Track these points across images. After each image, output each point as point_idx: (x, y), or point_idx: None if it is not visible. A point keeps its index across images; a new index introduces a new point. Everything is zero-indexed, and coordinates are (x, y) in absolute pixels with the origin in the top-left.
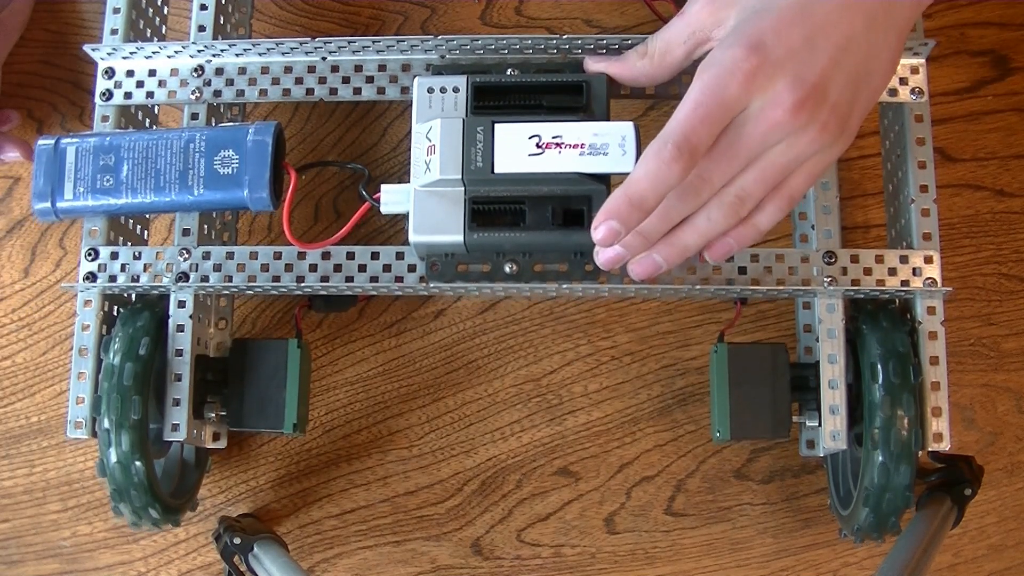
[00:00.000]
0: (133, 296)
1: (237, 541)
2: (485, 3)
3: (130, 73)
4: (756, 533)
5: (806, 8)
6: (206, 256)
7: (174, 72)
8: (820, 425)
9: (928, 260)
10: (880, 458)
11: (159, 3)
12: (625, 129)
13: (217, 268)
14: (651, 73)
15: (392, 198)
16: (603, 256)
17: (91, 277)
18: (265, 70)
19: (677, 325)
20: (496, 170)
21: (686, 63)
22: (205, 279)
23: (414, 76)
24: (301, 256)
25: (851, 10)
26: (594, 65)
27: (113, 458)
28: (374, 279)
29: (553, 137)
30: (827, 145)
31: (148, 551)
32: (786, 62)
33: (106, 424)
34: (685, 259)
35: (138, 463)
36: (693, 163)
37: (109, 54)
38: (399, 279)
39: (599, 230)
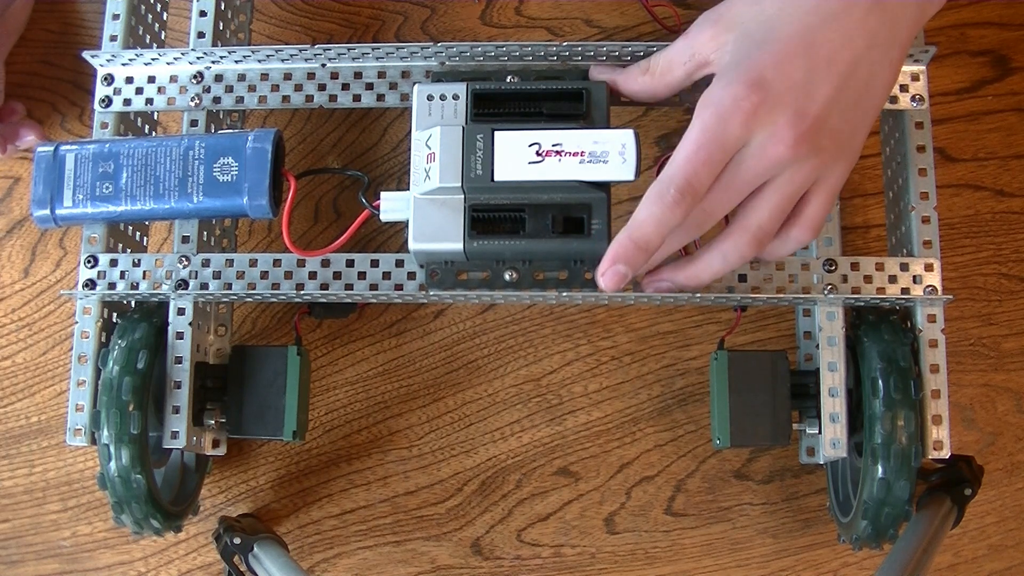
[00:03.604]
0: (132, 303)
1: (237, 541)
2: (485, 3)
3: (129, 80)
4: (756, 533)
5: (807, 38)
6: (205, 263)
7: (173, 79)
8: (820, 433)
9: (928, 268)
10: (880, 473)
11: (158, 9)
12: (625, 137)
13: (216, 275)
14: (651, 90)
15: (392, 205)
16: (607, 281)
17: (90, 284)
18: (264, 76)
19: (677, 325)
20: (496, 178)
21: (686, 83)
22: (204, 286)
23: (414, 83)
24: (300, 263)
25: (853, 35)
26: (598, 75)
27: (113, 472)
28: (373, 287)
29: (553, 145)
30: (829, 168)
31: (148, 551)
32: (786, 96)
33: (105, 439)
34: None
35: (138, 476)
36: (696, 204)
37: (108, 60)
38: (399, 287)
39: (607, 276)
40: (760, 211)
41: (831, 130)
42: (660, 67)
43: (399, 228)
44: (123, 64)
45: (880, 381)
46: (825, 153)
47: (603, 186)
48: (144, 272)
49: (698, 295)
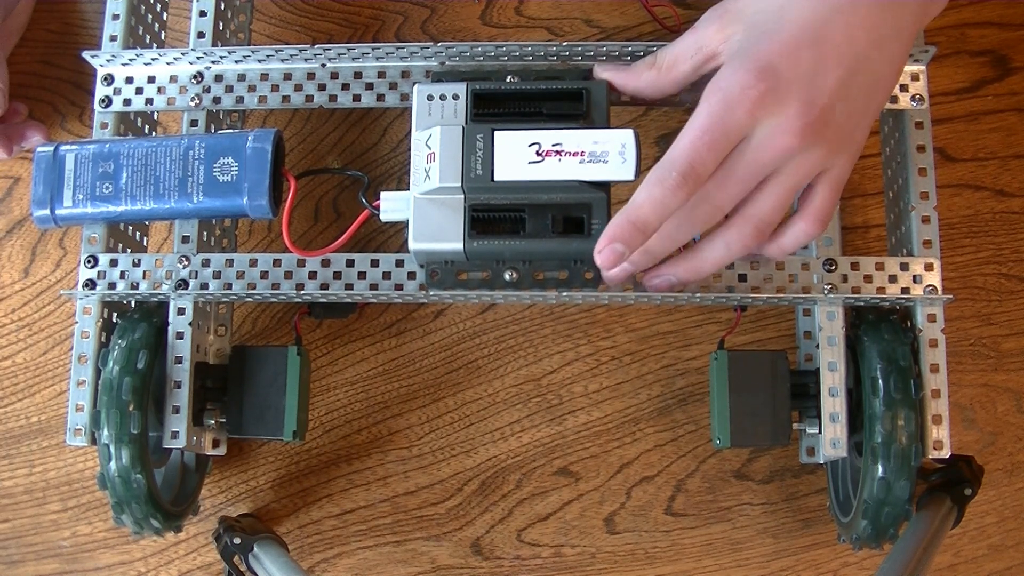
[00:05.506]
0: (132, 303)
1: (237, 541)
2: (485, 3)
3: (129, 80)
4: (756, 533)
5: (816, 29)
6: (205, 263)
7: (173, 79)
8: (820, 432)
9: (928, 267)
10: (880, 472)
11: (158, 9)
12: (625, 136)
13: (216, 275)
14: (657, 85)
15: (392, 205)
16: (609, 274)
17: (90, 284)
18: (264, 76)
19: (677, 325)
20: (496, 178)
21: (693, 77)
22: (204, 286)
23: (413, 83)
24: (300, 263)
25: (859, 29)
26: (602, 73)
27: (113, 472)
28: (373, 286)
29: (553, 145)
30: (833, 160)
31: (148, 551)
32: (794, 86)
33: (105, 439)
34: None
35: (138, 476)
36: (696, 188)
37: (108, 61)
38: (399, 287)
39: (603, 253)
40: (762, 201)
41: (836, 122)
42: (666, 61)
43: (399, 228)
44: (123, 64)
45: (880, 380)
46: (830, 145)
47: (603, 186)
48: (144, 272)
49: (698, 294)
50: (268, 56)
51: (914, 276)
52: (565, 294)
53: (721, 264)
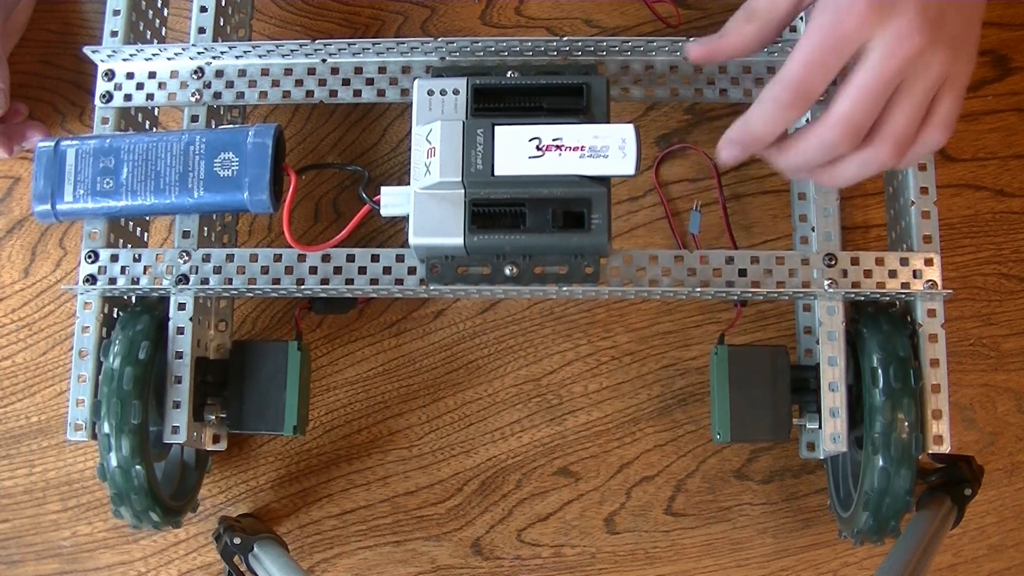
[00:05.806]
0: (133, 298)
1: (237, 541)
2: (485, 3)
3: (130, 75)
4: (756, 533)
5: None
6: (206, 258)
7: (174, 74)
8: (820, 427)
9: (928, 262)
10: (880, 462)
11: (159, 5)
12: (625, 131)
13: (217, 270)
14: (761, 35)
15: (392, 200)
16: (724, 156)
17: (91, 279)
18: (265, 72)
19: (677, 325)
20: (496, 172)
21: (793, 17)
22: (205, 281)
23: (414, 78)
24: (301, 258)
25: None
26: (694, 50)
27: (113, 462)
28: (374, 281)
29: (553, 139)
30: (955, 63)
31: (148, 551)
32: None
33: (106, 429)
34: None
35: (138, 467)
36: (808, 105)
37: (109, 56)
38: (399, 281)
39: (724, 152)
40: (897, 116)
41: (952, 23)
42: (763, 8)
43: (399, 228)
44: (124, 60)
45: (880, 370)
46: (950, 48)
47: (603, 180)
48: (145, 267)
49: (698, 289)
50: (269, 51)
51: (914, 271)
52: (565, 289)
53: (853, 181)
